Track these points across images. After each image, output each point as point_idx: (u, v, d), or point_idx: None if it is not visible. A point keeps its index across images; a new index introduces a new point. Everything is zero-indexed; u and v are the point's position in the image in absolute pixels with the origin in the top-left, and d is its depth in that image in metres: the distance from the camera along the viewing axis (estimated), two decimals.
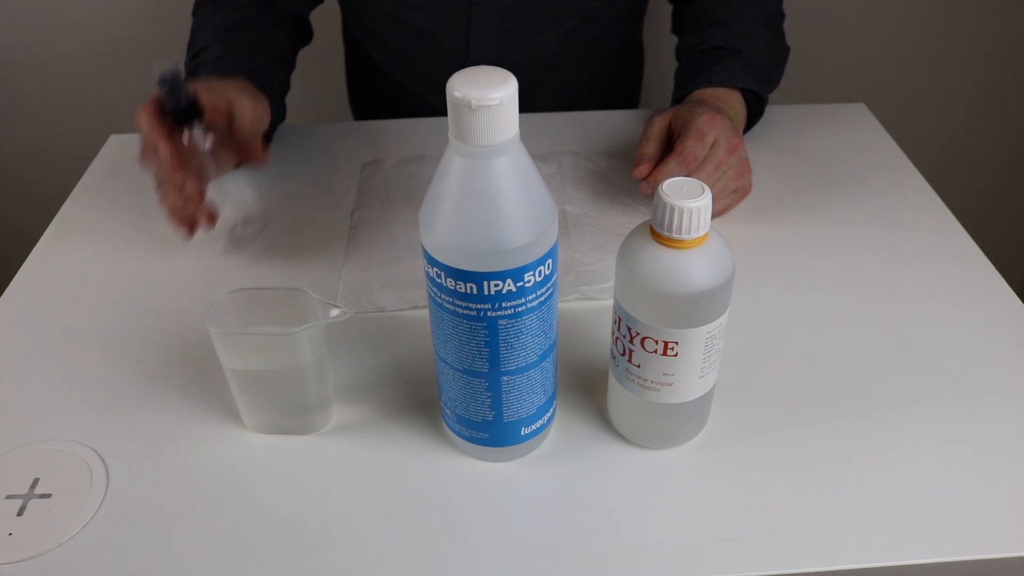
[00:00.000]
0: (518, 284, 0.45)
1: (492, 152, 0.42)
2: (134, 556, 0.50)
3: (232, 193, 0.72)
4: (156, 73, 0.60)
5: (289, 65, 0.91)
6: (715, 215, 0.76)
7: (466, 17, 0.89)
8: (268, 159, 0.75)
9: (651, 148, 0.76)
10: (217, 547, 0.50)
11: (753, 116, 0.85)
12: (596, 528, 0.51)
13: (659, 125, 0.77)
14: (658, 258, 0.46)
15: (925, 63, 1.38)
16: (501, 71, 0.42)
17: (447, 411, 0.54)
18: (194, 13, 0.90)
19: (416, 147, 0.89)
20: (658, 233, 0.46)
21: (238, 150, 0.73)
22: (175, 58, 0.62)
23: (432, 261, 0.46)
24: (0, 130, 1.41)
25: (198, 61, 0.82)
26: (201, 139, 0.64)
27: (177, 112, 0.63)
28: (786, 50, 0.89)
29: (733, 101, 0.81)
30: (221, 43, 0.82)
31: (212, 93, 0.71)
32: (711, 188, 0.73)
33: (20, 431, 0.58)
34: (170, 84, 0.62)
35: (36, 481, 0.54)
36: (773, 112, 0.93)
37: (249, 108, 0.73)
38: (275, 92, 0.83)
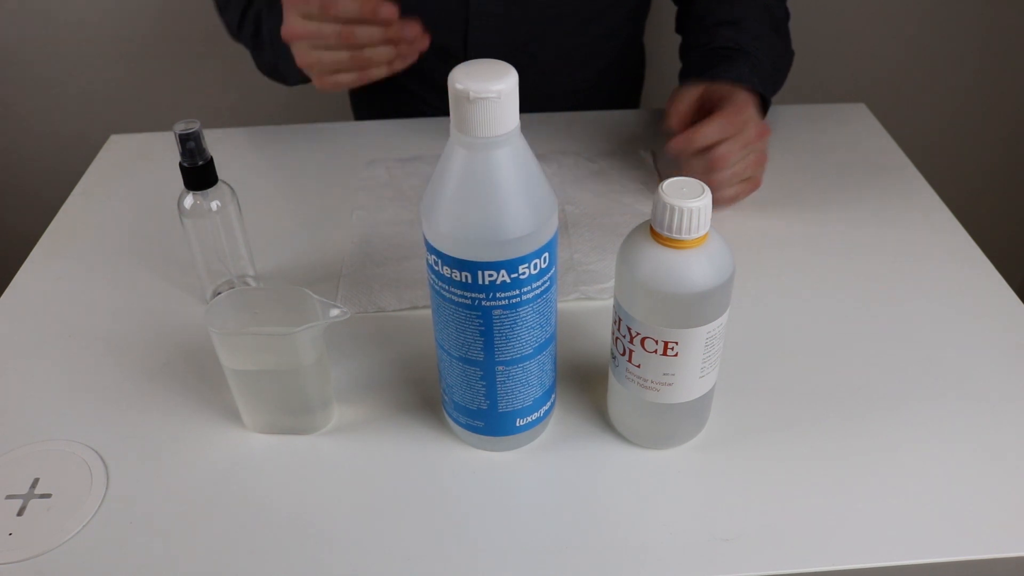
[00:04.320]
0: (512, 275, 0.45)
1: (492, 144, 0.42)
2: (134, 556, 0.50)
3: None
4: (176, 130, 0.59)
5: None
6: (727, 202, 0.76)
7: (463, 19, 0.89)
8: (414, 31, 0.73)
9: (684, 107, 0.76)
10: (217, 547, 0.50)
11: None
12: (596, 528, 0.51)
13: (691, 96, 0.77)
14: (658, 258, 0.47)
15: (925, 63, 1.38)
16: (502, 64, 0.42)
17: (447, 398, 0.55)
18: None
19: (416, 147, 0.89)
20: (658, 233, 0.46)
21: (369, 17, 0.70)
22: (196, 119, 0.60)
23: (431, 249, 0.47)
24: (0, 130, 1.40)
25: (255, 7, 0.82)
26: (206, 205, 0.62)
27: (193, 171, 0.60)
28: (791, 55, 0.89)
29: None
30: None
31: None
32: (733, 167, 0.73)
33: (20, 431, 0.58)
34: (192, 143, 0.59)
35: (36, 481, 0.54)
36: (773, 112, 0.93)
37: None
38: None
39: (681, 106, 0.77)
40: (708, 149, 0.72)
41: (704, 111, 0.76)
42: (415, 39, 0.72)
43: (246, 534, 0.51)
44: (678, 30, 0.95)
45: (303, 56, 0.74)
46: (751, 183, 0.76)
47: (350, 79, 0.74)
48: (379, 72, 0.74)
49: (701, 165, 0.73)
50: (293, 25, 0.72)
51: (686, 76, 0.86)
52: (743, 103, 0.74)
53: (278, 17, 0.78)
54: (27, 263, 0.74)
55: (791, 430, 0.57)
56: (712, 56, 0.84)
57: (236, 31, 0.89)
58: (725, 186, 0.74)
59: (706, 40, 0.86)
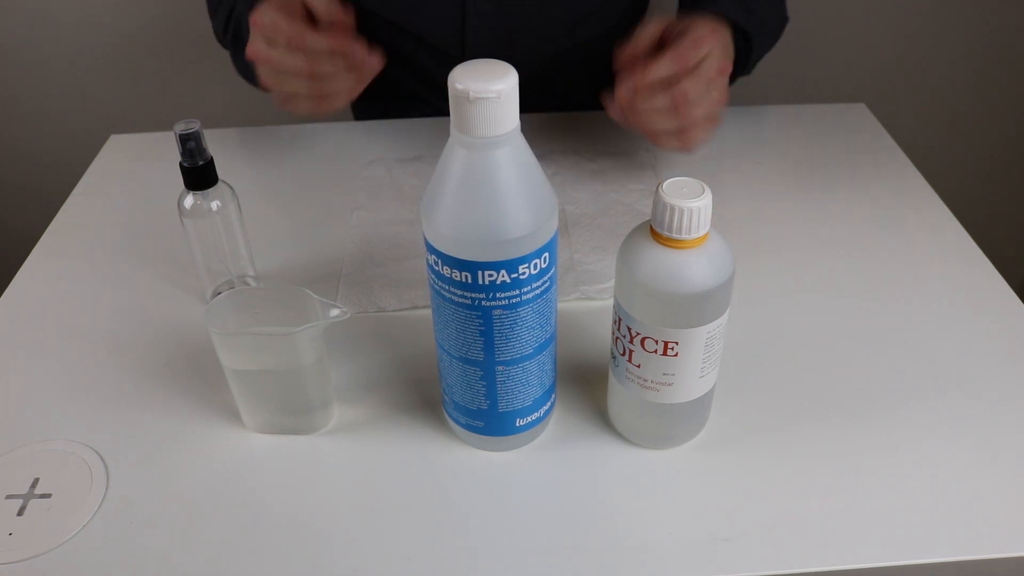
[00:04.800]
0: (512, 275, 0.46)
1: (492, 144, 0.43)
2: (134, 556, 0.50)
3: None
4: (176, 130, 0.59)
5: None
6: (696, 144, 0.71)
7: (460, 19, 0.89)
8: (374, 60, 0.74)
9: (639, 50, 0.71)
10: (217, 547, 0.50)
11: (737, 70, 0.81)
12: (596, 528, 0.51)
13: (653, 29, 0.72)
14: (658, 258, 0.47)
15: (925, 63, 1.38)
16: (502, 64, 0.42)
17: (447, 398, 0.55)
18: None
19: (416, 147, 0.89)
20: (658, 233, 0.46)
21: (331, 44, 0.71)
22: (196, 119, 0.60)
23: (431, 249, 0.47)
24: (0, 130, 1.40)
25: (239, 10, 0.83)
26: (206, 205, 0.62)
27: (193, 171, 0.60)
28: (784, 18, 0.87)
29: (725, 32, 0.75)
30: None
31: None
32: (697, 106, 0.68)
33: (20, 431, 0.58)
34: (192, 143, 0.59)
35: (36, 481, 0.54)
36: (773, 112, 0.93)
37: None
38: None
39: (635, 46, 0.71)
40: (668, 88, 0.67)
41: (669, 42, 0.71)
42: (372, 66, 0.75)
43: (246, 534, 0.51)
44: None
45: (265, 78, 0.75)
46: (715, 122, 0.72)
47: (307, 107, 0.75)
48: (338, 102, 0.75)
49: (664, 104, 0.67)
50: (258, 49, 0.72)
51: (680, 11, 0.84)
52: (703, 37, 0.67)
53: (247, 7, 0.78)
54: (27, 263, 0.74)
55: (791, 430, 0.57)
56: None
57: (222, 34, 0.89)
58: (694, 128, 0.69)
59: None
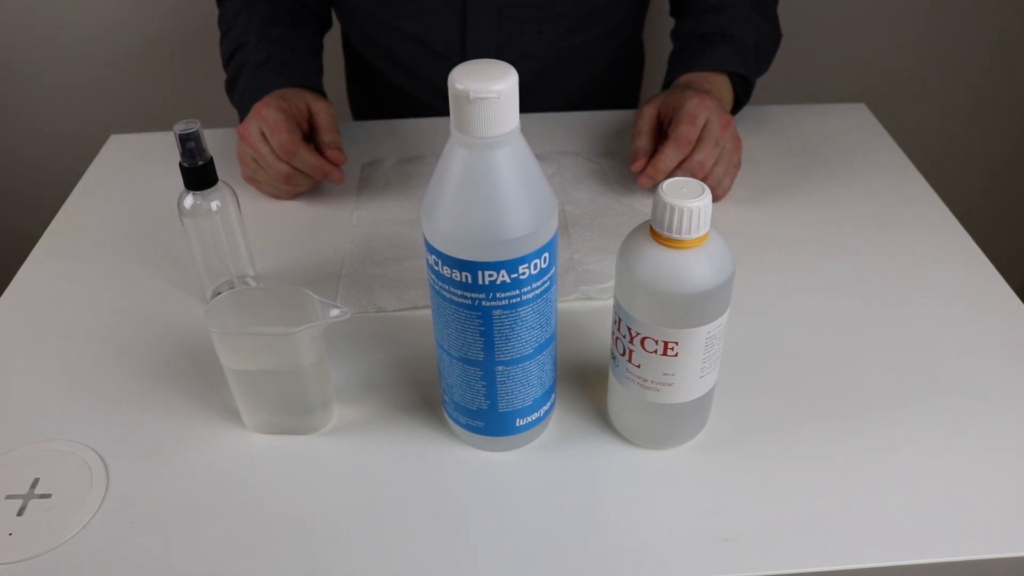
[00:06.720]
0: (512, 275, 0.46)
1: (492, 144, 0.43)
2: (134, 556, 0.50)
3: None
4: (176, 130, 0.58)
5: (321, 56, 0.93)
6: (723, 194, 0.78)
7: (461, 21, 0.90)
8: (343, 178, 0.79)
9: (644, 141, 0.77)
10: (217, 547, 0.50)
11: (740, 100, 0.86)
12: (595, 527, 0.51)
13: (648, 115, 0.78)
14: (658, 258, 0.47)
15: (925, 63, 1.38)
16: (502, 64, 0.43)
17: (447, 398, 0.55)
18: (220, 2, 0.92)
19: (416, 147, 0.89)
20: (658, 233, 0.46)
21: (316, 166, 0.76)
22: (196, 119, 0.60)
23: (431, 249, 0.47)
24: (0, 130, 1.40)
25: (242, 59, 0.84)
26: (206, 205, 0.62)
27: (193, 171, 0.60)
28: (778, 37, 0.90)
29: (720, 83, 0.83)
30: (265, 39, 0.84)
31: (287, 101, 0.77)
32: (716, 165, 0.75)
33: (20, 431, 0.58)
34: (192, 143, 0.59)
35: (36, 481, 0.54)
36: (773, 112, 0.93)
37: (327, 108, 0.79)
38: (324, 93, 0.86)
39: (642, 128, 0.78)
40: (683, 163, 0.74)
41: (666, 121, 0.77)
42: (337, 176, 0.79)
43: (246, 534, 0.51)
44: (672, 14, 0.97)
45: (240, 154, 0.79)
46: (735, 168, 0.78)
47: (267, 193, 0.81)
48: (293, 196, 0.81)
49: (685, 176, 0.74)
50: (250, 135, 0.76)
51: (673, 61, 0.88)
52: (696, 108, 0.74)
53: (252, 79, 0.81)
54: (27, 263, 0.74)
55: (791, 430, 0.57)
56: (697, 42, 0.86)
57: (224, 65, 0.89)
58: (718, 186, 0.76)
59: (693, 27, 0.88)
